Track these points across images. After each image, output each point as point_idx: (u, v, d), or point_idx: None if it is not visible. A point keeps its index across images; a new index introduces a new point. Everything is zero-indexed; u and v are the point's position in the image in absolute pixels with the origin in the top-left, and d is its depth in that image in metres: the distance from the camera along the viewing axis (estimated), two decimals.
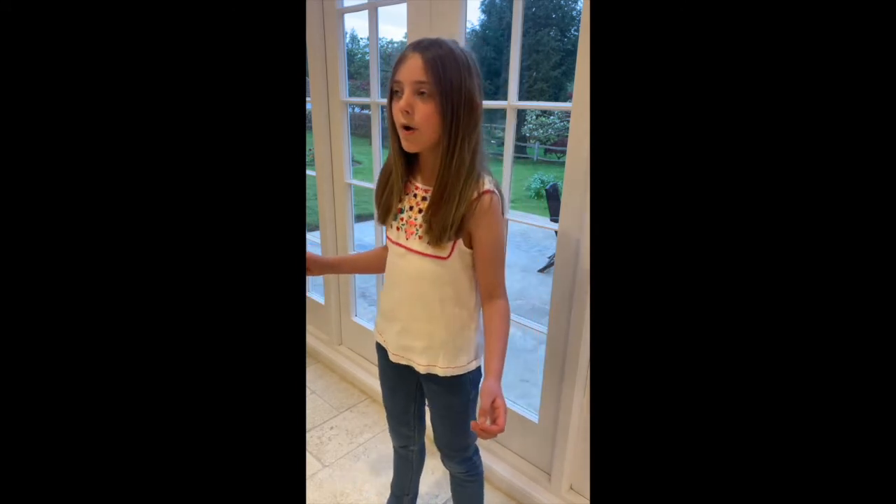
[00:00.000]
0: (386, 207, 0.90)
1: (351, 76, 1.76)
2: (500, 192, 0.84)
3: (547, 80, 20.03)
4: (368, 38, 1.54)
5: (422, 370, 0.94)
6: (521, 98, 1.30)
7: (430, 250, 0.84)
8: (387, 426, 1.15)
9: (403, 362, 0.97)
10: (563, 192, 1.15)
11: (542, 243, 5.19)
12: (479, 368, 0.97)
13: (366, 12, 1.49)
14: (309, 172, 1.78)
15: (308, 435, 1.64)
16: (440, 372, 0.92)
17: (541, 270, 4.38)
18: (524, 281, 4.17)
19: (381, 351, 1.02)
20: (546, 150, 15.10)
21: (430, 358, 0.92)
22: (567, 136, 1.10)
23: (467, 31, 1.29)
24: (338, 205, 1.85)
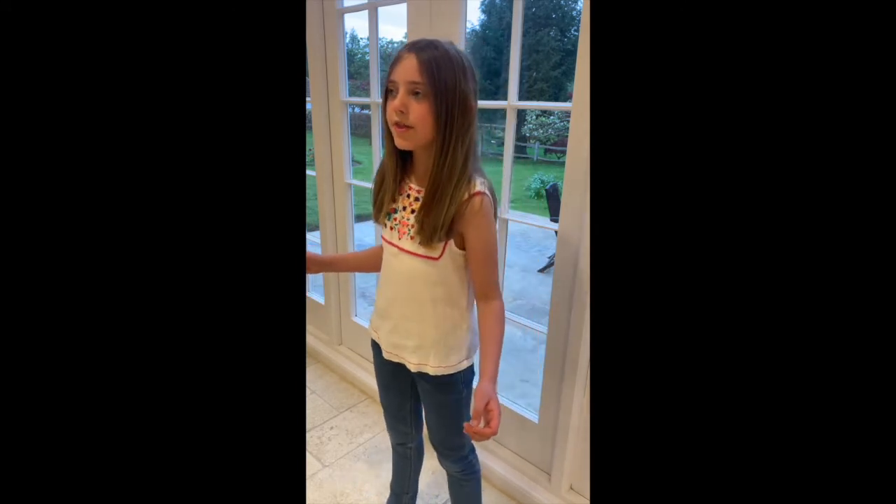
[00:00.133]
0: (380, 206, 0.91)
1: (351, 76, 1.76)
2: (492, 193, 0.84)
3: (547, 80, 20.03)
4: (368, 38, 1.54)
5: (413, 368, 0.94)
6: (521, 98, 1.30)
7: (421, 250, 0.85)
8: (386, 426, 1.15)
9: (396, 360, 0.97)
10: (563, 192, 1.15)
11: (542, 243, 5.18)
12: (471, 368, 0.97)
13: (366, 12, 1.49)
14: (309, 172, 1.78)
15: (308, 435, 1.64)
16: (431, 371, 0.92)
17: (541, 270, 4.38)
18: (524, 281, 4.17)
19: (376, 348, 1.02)
20: (546, 150, 15.11)
21: (421, 357, 0.93)
22: (567, 136, 1.10)
23: (467, 31, 1.29)
24: (338, 205, 1.85)
